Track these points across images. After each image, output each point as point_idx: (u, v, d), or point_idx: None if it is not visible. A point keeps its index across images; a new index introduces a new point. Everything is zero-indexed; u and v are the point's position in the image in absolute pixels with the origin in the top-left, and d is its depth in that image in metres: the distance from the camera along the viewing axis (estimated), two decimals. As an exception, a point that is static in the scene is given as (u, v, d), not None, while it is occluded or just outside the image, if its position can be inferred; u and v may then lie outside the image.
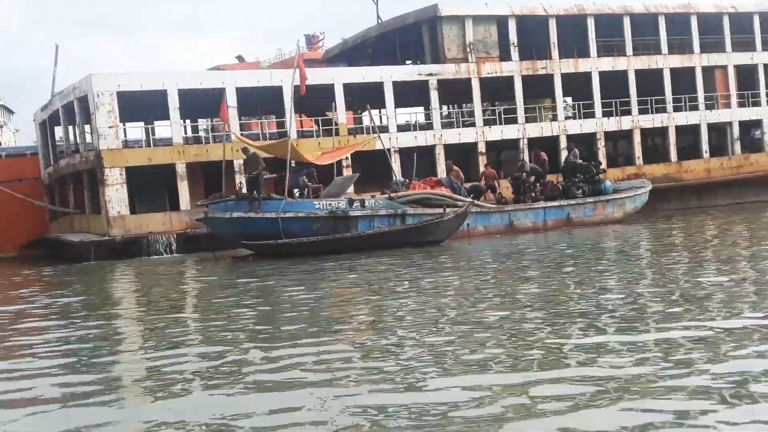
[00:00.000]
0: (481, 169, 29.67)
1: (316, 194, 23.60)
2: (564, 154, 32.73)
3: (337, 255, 19.75)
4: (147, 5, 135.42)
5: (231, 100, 29.21)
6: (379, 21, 37.51)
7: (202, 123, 37.18)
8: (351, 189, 26.11)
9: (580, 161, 27.46)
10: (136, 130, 35.76)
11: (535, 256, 17.13)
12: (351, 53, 37.59)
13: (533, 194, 26.42)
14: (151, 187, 29.49)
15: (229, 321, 10.46)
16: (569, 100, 37.97)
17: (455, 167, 27.87)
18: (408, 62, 36.65)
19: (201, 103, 30.49)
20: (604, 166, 29.54)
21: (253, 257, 22.14)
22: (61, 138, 34.73)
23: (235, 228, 21.93)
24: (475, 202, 23.53)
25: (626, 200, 26.32)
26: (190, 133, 33.32)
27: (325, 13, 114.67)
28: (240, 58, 57.84)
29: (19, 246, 33.56)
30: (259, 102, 32.62)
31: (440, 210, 22.39)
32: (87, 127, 30.44)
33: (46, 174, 33.83)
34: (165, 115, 30.24)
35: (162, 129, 33.10)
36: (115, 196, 27.75)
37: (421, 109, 38.95)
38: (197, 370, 7.39)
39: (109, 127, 27.80)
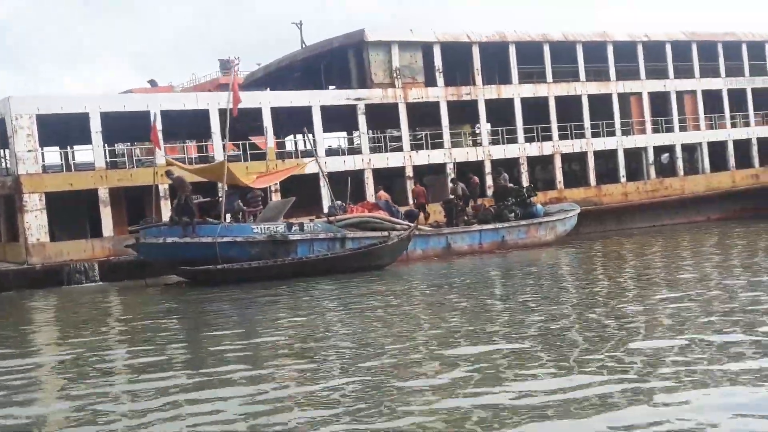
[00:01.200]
0: (411, 187, 29.97)
1: (253, 218, 23.09)
2: (488, 178, 33.23)
3: (279, 281, 19.26)
4: (37, 32, 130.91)
5: (157, 123, 28.45)
6: (303, 45, 37.31)
7: (120, 147, 36.04)
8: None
9: (511, 185, 27.77)
10: (51, 155, 34.42)
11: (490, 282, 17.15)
12: (275, 77, 37.21)
13: (465, 217, 26.51)
14: (71, 213, 28.36)
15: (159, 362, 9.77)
16: (489, 126, 38.47)
17: (382, 191, 27.93)
18: (332, 87, 36.53)
19: (123, 127, 29.58)
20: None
21: (185, 284, 21.37)
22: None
23: (169, 253, 21.20)
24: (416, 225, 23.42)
25: (557, 223, 26.72)
26: (108, 158, 32.26)
27: (237, 39, 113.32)
28: (152, 82, 56.66)
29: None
30: (183, 126, 31.87)
31: (380, 233, 22.25)
32: (2, 152, 29.17)
33: (-45, 200, 32.11)
34: (83, 139, 29.24)
35: (80, 154, 32.03)
36: (35, 222, 26.54)
37: (344, 133, 39.04)
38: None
39: (28, 151, 26.64)
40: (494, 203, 27.32)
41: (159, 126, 28.12)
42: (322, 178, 24.95)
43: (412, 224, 23.38)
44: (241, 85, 39.83)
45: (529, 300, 12.61)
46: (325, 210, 28.53)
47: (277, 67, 37.26)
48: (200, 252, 20.78)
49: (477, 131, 43.59)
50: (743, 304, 10.70)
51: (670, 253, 21.11)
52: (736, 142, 40.37)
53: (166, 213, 28.06)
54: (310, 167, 27.77)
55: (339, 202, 24.15)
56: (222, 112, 29.23)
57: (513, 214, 25.88)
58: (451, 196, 27.08)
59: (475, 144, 35.95)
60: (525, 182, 33.65)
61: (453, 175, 30.91)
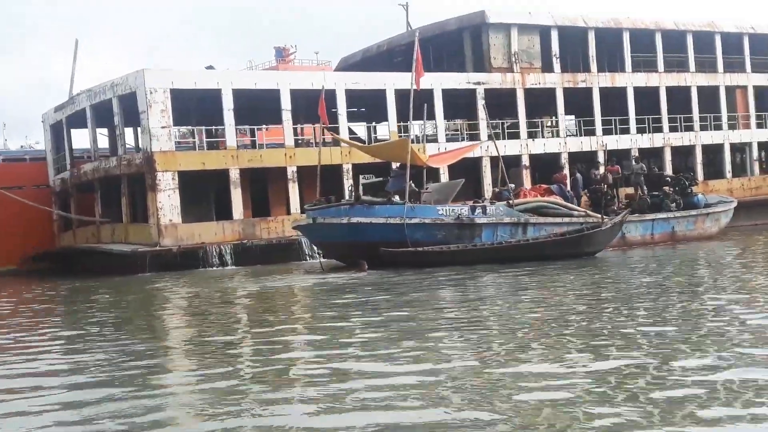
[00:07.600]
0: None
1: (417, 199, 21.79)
2: (601, 169, 32.10)
3: (470, 266, 17.83)
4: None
5: (285, 102, 27.26)
6: (409, 28, 36.05)
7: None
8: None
9: (668, 173, 26.64)
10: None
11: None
12: (375, 61, 35.85)
13: (614, 207, 25.32)
14: (197, 194, 27.09)
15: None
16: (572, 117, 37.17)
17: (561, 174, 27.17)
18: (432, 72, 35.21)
19: (253, 107, 28.28)
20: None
21: (363, 267, 19.60)
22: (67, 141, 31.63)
23: (352, 235, 19.87)
24: (589, 213, 22.23)
25: (722, 215, 25.61)
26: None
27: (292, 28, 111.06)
28: (210, 68, 55.05)
29: (21, 259, 30.32)
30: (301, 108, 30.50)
31: (559, 219, 21.17)
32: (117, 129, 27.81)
33: (59, 180, 30.73)
34: (212, 118, 28.03)
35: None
36: (167, 202, 25.28)
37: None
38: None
39: (162, 128, 25.34)
40: (647, 192, 26.09)
41: (287, 106, 27.07)
42: (500, 160, 23.33)
43: (588, 210, 22.29)
44: (335, 69, 38.68)
45: None
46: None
47: (378, 50, 36.00)
48: (387, 233, 19.50)
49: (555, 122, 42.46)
50: None
51: None
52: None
53: (295, 196, 27.03)
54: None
55: (512, 185, 22.94)
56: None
57: (675, 204, 24.72)
58: (600, 185, 25.84)
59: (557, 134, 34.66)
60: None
61: (601, 165, 29.48)
